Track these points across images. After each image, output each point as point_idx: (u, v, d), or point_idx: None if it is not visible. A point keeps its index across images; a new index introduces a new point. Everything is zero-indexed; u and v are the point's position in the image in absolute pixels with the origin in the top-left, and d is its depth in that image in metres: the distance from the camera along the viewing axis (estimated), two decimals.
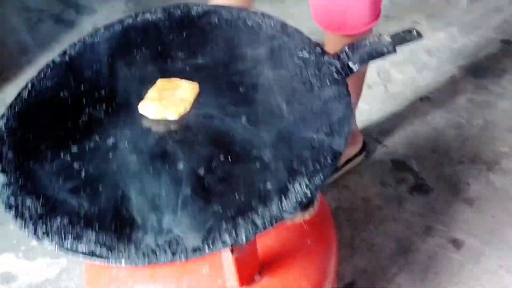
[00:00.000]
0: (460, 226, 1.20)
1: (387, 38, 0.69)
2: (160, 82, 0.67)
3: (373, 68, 1.55)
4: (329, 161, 0.56)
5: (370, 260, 1.14)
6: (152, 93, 0.66)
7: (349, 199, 1.26)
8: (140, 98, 0.66)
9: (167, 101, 0.65)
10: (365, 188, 1.28)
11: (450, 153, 1.35)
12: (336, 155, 0.57)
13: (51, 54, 1.66)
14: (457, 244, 1.18)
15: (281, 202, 0.53)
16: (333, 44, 0.99)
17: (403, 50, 1.72)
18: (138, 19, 0.76)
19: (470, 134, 1.39)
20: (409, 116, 1.44)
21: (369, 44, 0.69)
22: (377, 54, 0.68)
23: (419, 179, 1.30)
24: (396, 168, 1.32)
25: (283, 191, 0.54)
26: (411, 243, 1.18)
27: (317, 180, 0.54)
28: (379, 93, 1.52)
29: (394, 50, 0.68)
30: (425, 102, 1.48)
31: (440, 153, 1.35)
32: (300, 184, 0.54)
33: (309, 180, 0.54)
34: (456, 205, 1.24)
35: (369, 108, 1.46)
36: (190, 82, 0.67)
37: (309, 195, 0.53)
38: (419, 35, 0.69)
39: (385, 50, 0.68)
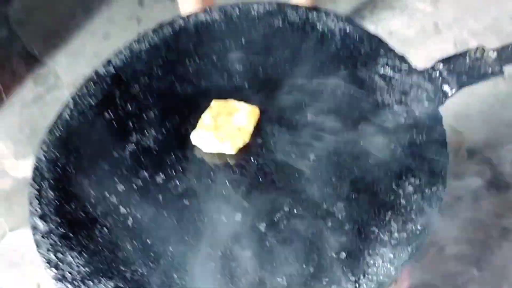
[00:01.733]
0: None
1: (492, 55, 0.56)
2: (216, 104, 0.58)
3: (449, 37, 1.37)
4: (419, 227, 0.46)
5: (438, 267, 1.05)
6: (206, 119, 0.57)
7: None
8: (194, 122, 0.58)
9: (223, 130, 0.56)
10: None
11: None
12: (427, 219, 0.47)
13: (99, 18, 1.61)
14: None
15: (358, 281, 0.44)
16: None
17: (483, 17, 1.50)
18: (191, 20, 0.66)
19: None
20: (489, 97, 1.28)
21: (468, 61, 0.56)
22: (479, 76, 0.55)
23: (498, 173, 1.16)
24: (472, 159, 1.19)
25: (360, 266, 0.45)
26: (485, 248, 1.07)
27: (404, 253, 0.45)
28: None
29: (501, 72, 0.55)
30: (508, 80, 1.31)
31: None
32: (382, 258, 0.45)
33: (393, 253, 0.45)
34: None
35: None
36: (250, 105, 0.58)
37: (393, 273, 0.44)
38: None
39: (489, 70, 0.55)
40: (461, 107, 1.27)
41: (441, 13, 1.46)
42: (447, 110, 1.31)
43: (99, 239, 0.50)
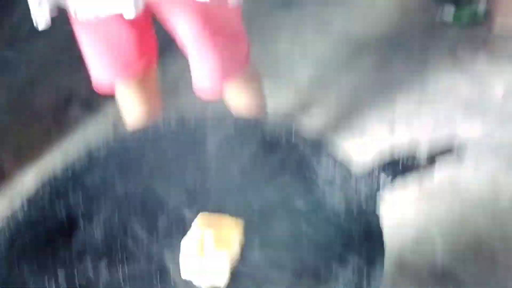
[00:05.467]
0: None
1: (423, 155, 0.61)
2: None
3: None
4: None
5: None
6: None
7: None
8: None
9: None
10: None
11: (495, 260, 1.21)
12: None
13: (73, 140, 1.65)
14: None
15: None
16: None
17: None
18: (149, 129, 0.71)
19: None
20: (447, 217, 1.31)
21: (403, 164, 0.61)
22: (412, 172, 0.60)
23: None
24: (435, 278, 1.18)
25: None
26: None
27: None
28: (411, 193, 1.39)
29: (434, 163, 0.60)
30: (462, 200, 1.36)
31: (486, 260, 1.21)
32: None
33: None
34: None
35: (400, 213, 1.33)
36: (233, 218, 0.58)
37: None
38: (459, 155, 0.61)
39: (422, 168, 0.60)
40: (420, 232, 1.29)
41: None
42: (406, 239, 1.31)
43: None
